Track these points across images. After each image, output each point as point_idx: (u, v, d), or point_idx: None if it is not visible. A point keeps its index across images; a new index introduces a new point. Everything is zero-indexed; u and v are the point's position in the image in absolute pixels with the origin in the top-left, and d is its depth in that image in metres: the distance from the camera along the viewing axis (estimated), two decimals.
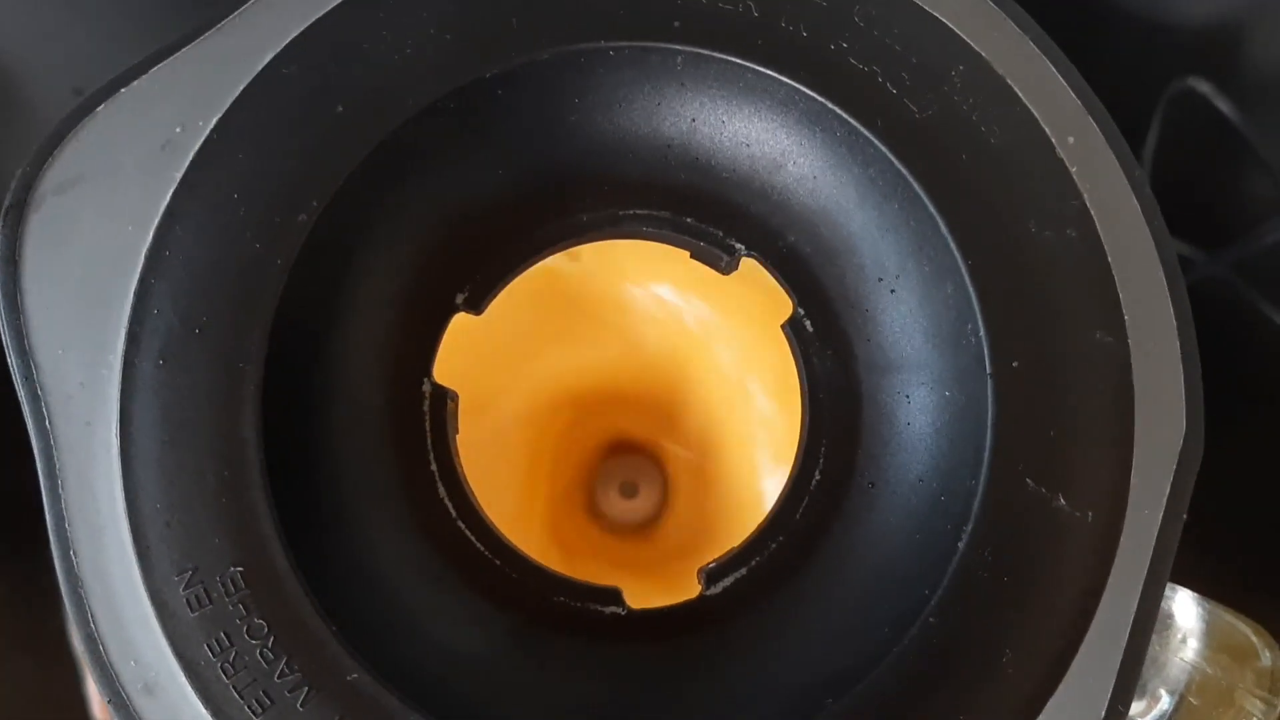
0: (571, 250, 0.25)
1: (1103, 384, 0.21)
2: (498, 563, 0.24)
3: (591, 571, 0.28)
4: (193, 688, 0.20)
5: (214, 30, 0.21)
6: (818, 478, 0.24)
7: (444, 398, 0.24)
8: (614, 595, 0.24)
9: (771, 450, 0.33)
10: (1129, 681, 0.20)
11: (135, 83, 0.21)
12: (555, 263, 0.25)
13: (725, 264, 0.24)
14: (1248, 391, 0.35)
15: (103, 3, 0.33)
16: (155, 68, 0.21)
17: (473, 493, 0.24)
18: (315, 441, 0.22)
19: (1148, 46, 0.35)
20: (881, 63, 0.21)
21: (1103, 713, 0.20)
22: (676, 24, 0.22)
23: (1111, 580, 0.21)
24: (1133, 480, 0.21)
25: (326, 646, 0.20)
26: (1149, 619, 0.21)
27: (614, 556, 0.35)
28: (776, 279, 0.24)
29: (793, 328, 0.24)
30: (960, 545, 0.21)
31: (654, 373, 0.35)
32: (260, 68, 0.21)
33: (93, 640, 0.20)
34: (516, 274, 0.24)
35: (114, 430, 0.20)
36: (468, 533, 0.24)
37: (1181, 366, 0.21)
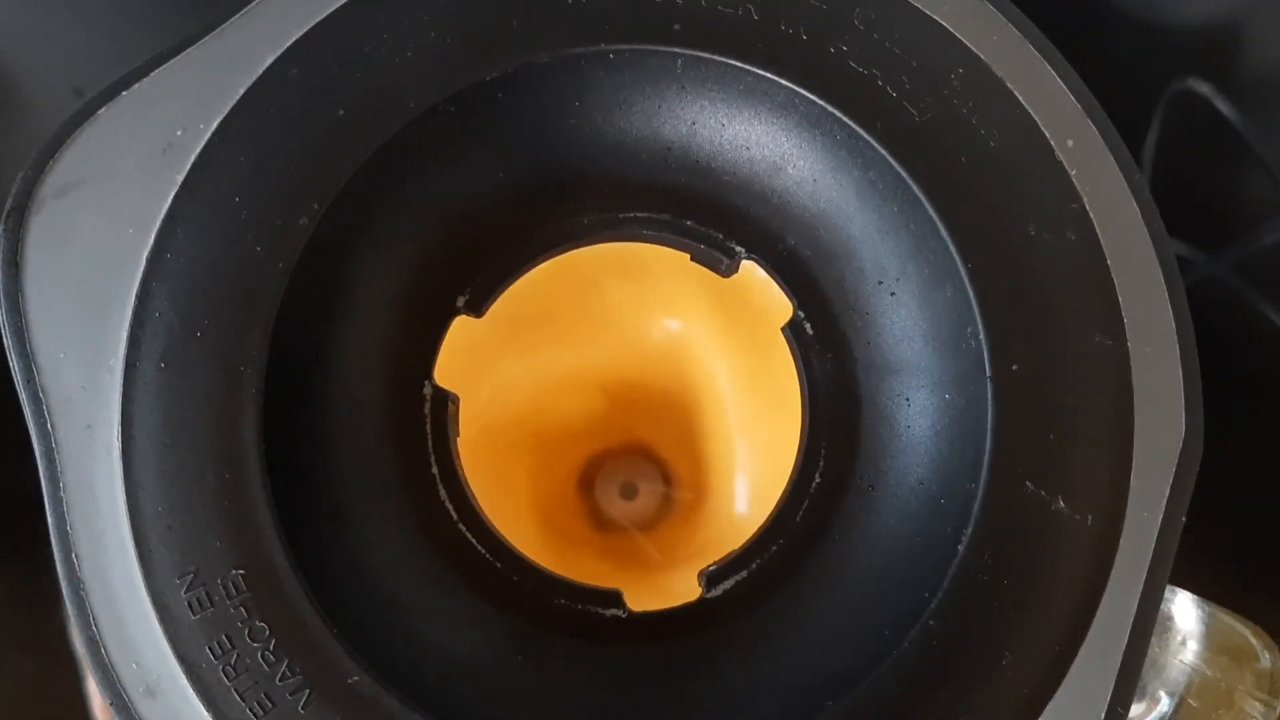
0: (571, 253, 0.25)
1: (1102, 386, 0.21)
2: (498, 565, 0.24)
3: (592, 573, 0.28)
4: (194, 690, 0.20)
5: (214, 33, 0.21)
6: (818, 480, 0.24)
7: (445, 400, 0.24)
8: (614, 597, 0.24)
9: (771, 452, 0.33)
10: (1128, 683, 0.20)
11: (136, 86, 0.21)
12: (556, 264, 0.25)
13: (725, 267, 0.24)
14: (1248, 391, 0.35)
15: (103, 3, 0.33)
16: (156, 71, 0.21)
17: (474, 495, 0.24)
18: (316, 444, 0.22)
19: (1147, 47, 0.35)
20: (881, 66, 0.21)
21: (1102, 715, 0.20)
22: (676, 27, 0.22)
23: (1111, 582, 0.21)
24: (1132, 482, 0.21)
25: (327, 649, 0.20)
26: (1149, 621, 0.21)
27: (614, 558, 0.35)
28: (776, 282, 0.24)
29: (793, 330, 0.24)
30: (960, 547, 0.21)
31: (655, 374, 0.35)
32: (261, 70, 0.21)
33: (94, 643, 0.20)
34: (517, 276, 0.24)
35: (115, 432, 0.20)
36: (469, 535, 0.24)
37: (1181, 368, 0.21)
